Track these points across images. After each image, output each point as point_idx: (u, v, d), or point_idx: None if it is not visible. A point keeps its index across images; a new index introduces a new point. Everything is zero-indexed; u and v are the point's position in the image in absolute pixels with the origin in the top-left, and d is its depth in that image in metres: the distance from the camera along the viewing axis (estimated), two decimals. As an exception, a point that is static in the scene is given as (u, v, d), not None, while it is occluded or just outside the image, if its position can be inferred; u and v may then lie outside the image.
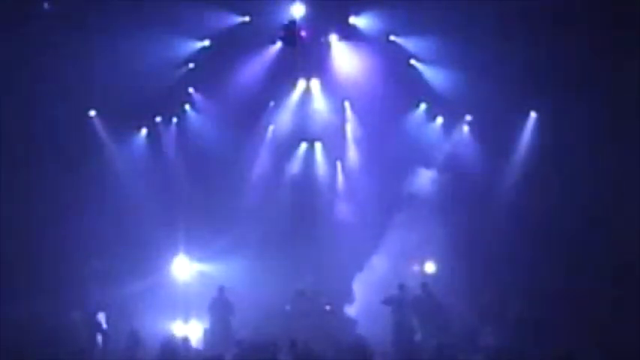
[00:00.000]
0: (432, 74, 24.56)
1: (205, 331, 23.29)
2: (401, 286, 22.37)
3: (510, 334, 20.55)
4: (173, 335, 22.68)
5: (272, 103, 25.72)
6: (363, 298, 23.60)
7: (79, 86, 23.18)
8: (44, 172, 23.29)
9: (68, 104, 23.50)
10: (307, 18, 23.57)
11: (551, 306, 21.33)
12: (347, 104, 25.70)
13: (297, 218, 25.57)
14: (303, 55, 24.40)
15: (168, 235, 24.51)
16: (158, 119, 25.66)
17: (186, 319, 23.88)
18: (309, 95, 25.53)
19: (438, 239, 23.84)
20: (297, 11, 23.42)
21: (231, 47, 24.13)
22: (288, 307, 23.87)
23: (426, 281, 22.82)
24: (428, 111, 25.57)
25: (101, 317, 23.00)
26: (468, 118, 25.65)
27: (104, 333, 22.72)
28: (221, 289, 23.03)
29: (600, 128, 22.77)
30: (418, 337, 21.59)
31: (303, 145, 26.37)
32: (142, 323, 22.14)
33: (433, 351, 18.31)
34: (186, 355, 20.83)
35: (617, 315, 19.94)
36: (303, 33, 23.70)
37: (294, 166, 26.28)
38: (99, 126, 24.82)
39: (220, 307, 22.91)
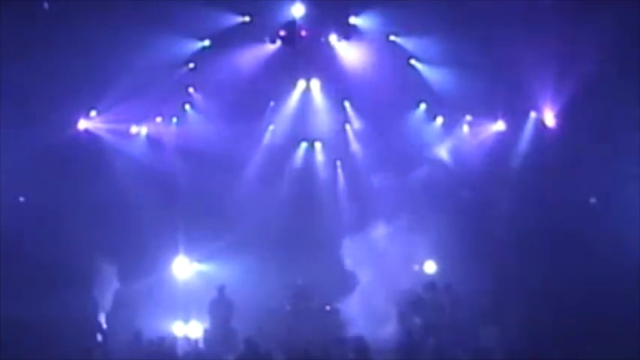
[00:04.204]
0: (432, 74, 24.55)
1: (206, 331, 23.29)
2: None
3: (512, 334, 20.55)
4: (174, 336, 22.72)
5: (272, 103, 25.71)
6: (363, 297, 23.62)
7: (78, 86, 23.16)
8: (43, 172, 23.26)
9: (68, 104, 23.50)
10: (307, 18, 23.57)
11: (553, 307, 21.33)
12: (347, 104, 25.71)
13: (297, 218, 25.54)
14: (303, 55, 24.40)
15: (168, 235, 24.51)
16: (158, 119, 25.63)
17: (186, 319, 23.87)
18: (309, 95, 25.51)
19: (439, 239, 23.85)
20: (297, 11, 23.42)
21: (231, 47, 24.11)
22: (288, 307, 23.90)
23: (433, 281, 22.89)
24: (428, 111, 25.57)
25: (101, 317, 23.03)
26: (468, 118, 25.66)
27: (104, 333, 22.76)
28: (221, 289, 23.06)
29: (602, 130, 22.76)
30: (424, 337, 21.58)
31: (303, 145, 26.37)
32: (142, 323, 22.14)
33: (434, 350, 18.34)
34: (188, 356, 20.88)
35: (619, 316, 19.93)
36: (303, 33, 23.73)
37: (294, 166, 26.26)
38: (99, 126, 24.78)
39: (221, 308, 22.92)
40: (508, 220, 24.09)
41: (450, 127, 25.75)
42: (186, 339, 23.06)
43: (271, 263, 24.59)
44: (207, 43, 24.27)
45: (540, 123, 24.53)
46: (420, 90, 24.78)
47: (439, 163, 25.39)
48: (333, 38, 24.55)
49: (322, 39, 24.49)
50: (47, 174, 23.23)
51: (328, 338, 21.70)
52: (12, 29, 21.74)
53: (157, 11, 22.51)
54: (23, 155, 22.63)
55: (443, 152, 25.55)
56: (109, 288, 23.57)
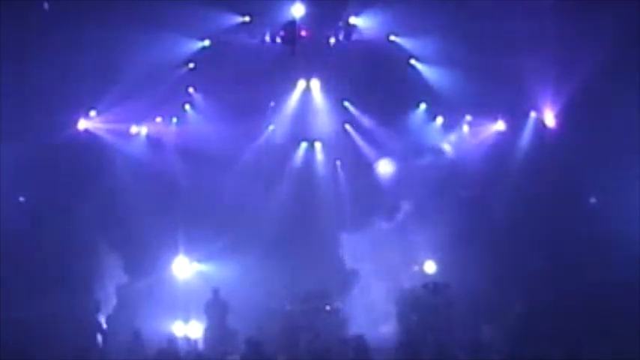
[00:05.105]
0: (432, 74, 24.56)
1: (205, 332, 23.30)
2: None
3: (512, 333, 20.54)
4: (175, 336, 22.72)
5: (272, 103, 25.71)
6: (363, 296, 23.64)
7: (78, 86, 23.17)
8: (43, 172, 23.26)
9: (68, 104, 23.51)
10: (307, 18, 23.58)
11: (553, 306, 21.32)
12: (347, 104, 25.72)
13: (297, 218, 25.54)
14: (303, 55, 24.41)
15: (168, 235, 24.52)
16: (158, 119, 25.63)
17: (186, 320, 23.88)
18: (309, 95, 25.52)
19: (439, 238, 23.87)
20: (297, 11, 23.42)
21: (231, 47, 24.11)
22: (288, 307, 23.90)
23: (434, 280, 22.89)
24: (428, 111, 25.59)
25: (101, 317, 23.03)
26: (468, 118, 25.67)
27: (104, 333, 22.76)
28: (215, 291, 23.05)
29: (602, 130, 22.77)
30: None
31: (303, 145, 26.38)
32: (142, 323, 22.14)
33: (434, 350, 18.33)
34: (188, 355, 20.87)
35: (619, 315, 19.92)
36: (303, 33, 23.73)
37: (294, 166, 26.27)
38: (99, 126, 24.77)
39: (216, 309, 22.92)
40: (508, 220, 24.08)
41: (450, 127, 25.77)
42: (186, 339, 23.05)
43: (271, 263, 24.58)
44: (207, 43, 24.30)
45: (540, 123, 24.54)
46: (420, 90, 24.78)
47: (440, 153, 25.44)
48: (333, 38, 24.54)
49: (322, 39, 24.48)
50: (47, 174, 23.24)
51: (328, 338, 21.70)
52: (12, 29, 21.74)
53: (157, 11, 22.54)
54: (23, 155, 22.63)
55: (446, 146, 25.63)
56: (109, 288, 23.59)
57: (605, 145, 22.75)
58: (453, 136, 25.73)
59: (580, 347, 17.77)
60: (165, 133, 25.70)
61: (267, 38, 24.12)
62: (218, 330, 22.82)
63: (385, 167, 25.57)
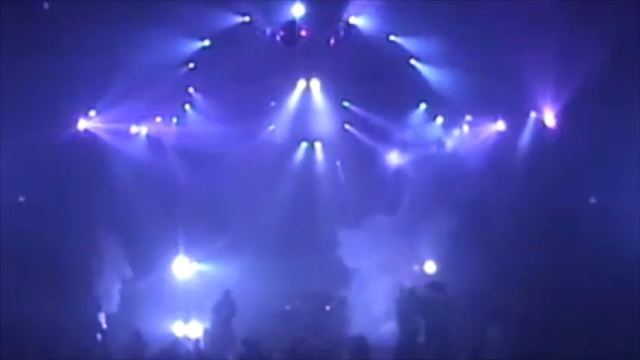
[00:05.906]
0: (432, 74, 24.56)
1: (206, 331, 23.29)
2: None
3: (513, 334, 20.54)
4: (176, 336, 22.73)
5: (272, 103, 25.72)
6: (363, 296, 23.65)
7: (78, 86, 23.17)
8: (43, 172, 23.26)
9: (68, 104, 23.51)
10: (307, 18, 23.58)
11: (554, 306, 21.32)
12: (347, 104, 25.72)
13: (297, 218, 25.58)
14: (303, 55, 24.41)
15: (168, 235, 24.53)
16: (158, 119, 25.64)
17: (186, 319, 23.89)
18: (309, 95, 25.53)
19: (439, 238, 23.88)
20: (297, 11, 23.42)
21: (231, 47, 24.11)
22: (288, 307, 23.91)
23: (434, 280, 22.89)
24: (428, 111, 25.60)
25: (101, 317, 23.04)
26: (468, 118, 25.68)
27: (104, 333, 22.76)
28: (226, 293, 23.05)
29: (602, 130, 22.77)
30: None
31: (303, 145, 26.40)
32: (142, 323, 22.14)
33: (434, 350, 18.33)
34: (189, 356, 20.88)
35: (620, 314, 19.92)
36: (303, 33, 23.73)
37: (294, 166, 26.28)
38: (99, 126, 24.77)
39: (224, 310, 22.93)
40: (508, 220, 24.10)
41: (450, 126, 25.80)
42: (187, 339, 23.05)
43: (271, 263, 24.61)
44: (207, 43, 24.28)
45: (540, 123, 24.54)
46: (420, 90, 24.78)
47: (442, 146, 25.48)
48: (333, 38, 24.53)
49: (322, 39, 24.47)
50: (47, 174, 23.23)
51: (328, 337, 21.71)
52: (12, 29, 21.74)
53: (157, 11, 22.52)
54: (23, 155, 22.63)
55: (448, 140, 25.70)
56: (109, 288, 23.58)
57: (605, 145, 22.74)
58: (451, 141, 25.73)
59: (581, 348, 17.79)
60: (165, 133, 25.76)
61: (268, 39, 24.09)
62: (221, 330, 22.81)
63: (393, 160, 25.65)
